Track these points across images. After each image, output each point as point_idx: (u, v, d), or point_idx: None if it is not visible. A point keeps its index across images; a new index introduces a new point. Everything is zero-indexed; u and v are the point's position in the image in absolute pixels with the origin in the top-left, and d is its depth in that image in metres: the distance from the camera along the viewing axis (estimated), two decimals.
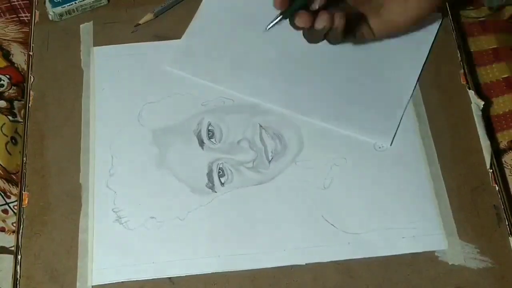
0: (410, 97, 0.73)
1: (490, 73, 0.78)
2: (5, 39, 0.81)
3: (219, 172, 0.68)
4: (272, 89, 0.73)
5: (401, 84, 0.74)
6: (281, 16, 0.62)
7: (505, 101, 0.76)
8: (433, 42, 0.76)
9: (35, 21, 0.78)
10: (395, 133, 0.71)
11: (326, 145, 0.70)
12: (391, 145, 0.70)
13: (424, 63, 0.75)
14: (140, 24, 0.78)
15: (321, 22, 0.61)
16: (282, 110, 0.72)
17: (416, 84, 0.74)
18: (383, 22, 0.67)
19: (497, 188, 0.68)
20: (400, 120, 0.71)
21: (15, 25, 0.83)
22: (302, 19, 0.61)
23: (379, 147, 0.70)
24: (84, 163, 0.69)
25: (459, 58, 0.75)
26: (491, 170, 0.69)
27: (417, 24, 0.70)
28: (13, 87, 0.78)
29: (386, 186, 0.68)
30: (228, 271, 0.64)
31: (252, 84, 0.73)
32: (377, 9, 0.67)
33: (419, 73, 0.74)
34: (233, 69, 0.74)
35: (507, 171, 0.72)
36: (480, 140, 0.70)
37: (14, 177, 0.73)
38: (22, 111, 0.75)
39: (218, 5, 0.79)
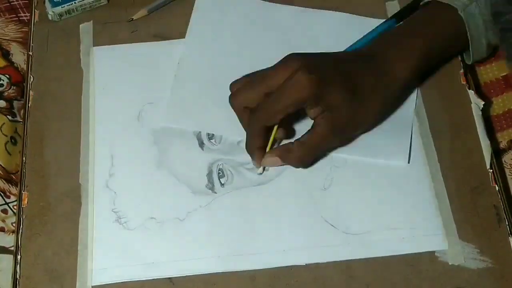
0: (414, 111, 0.72)
1: (490, 71, 0.78)
2: (4, 39, 0.81)
3: (219, 173, 0.68)
4: None
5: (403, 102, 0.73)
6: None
7: (504, 100, 0.76)
8: None
9: (35, 21, 0.78)
10: (410, 151, 0.70)
11: None
12: (408, 162, 0.69)
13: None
14: (133, 19, 0.78)
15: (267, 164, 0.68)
16: None
17: (416, 98, 0.73)
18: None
19: (497, 188, 0.68)
20: (411, 137, 0.70)
21: (15, 24, 0.83)
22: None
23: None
24: (84, 163, 0.69)
25: (459, 58, 0.75)
26: (491, 170, 0.68)
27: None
28: (12, 86, 0.78)
29: (385, 186, 0.68)
30: (228, 271, 0.64)
31: None
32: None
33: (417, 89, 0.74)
34: (229, 112, 0.69)
35: (507, 171, 0.72)
36: (480, 140, 0.70)
37: (14, 177, 0.73)
38: (22, 111, 0.75)
39: (200, 47, 0.76)
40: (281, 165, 0.68)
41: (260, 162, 0.67)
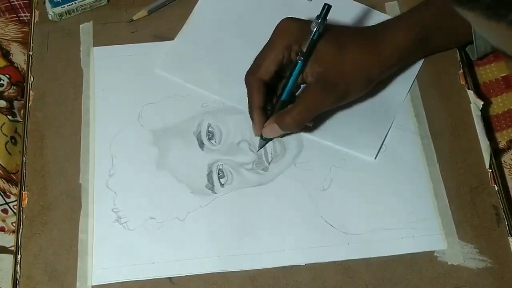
0: (397, 113, 0.73)
1: (489, 72, 0.78)
2: (4, 39, 0.81)
3: (219, 173, 0.68)
4: None
5: (390, 101, 0.73)
6: (264, 141, 0.70)
7: (504, 100, 0.76)
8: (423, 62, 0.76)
9: (35, 21, 0.78)
10: (380, 149, 0.70)
11: (326, 147, 0.70)
12: (375, 158, 0.70)
13: (413, 81, 0.75)
14: (133, 19, 0.78)
15: (269, 134, 0.69)
16: None
17: (404, 99, 0.73)
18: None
19: (496, 188, 0.68)
20: (385, 137, 0.71)
21: (15, 24, 0.82)
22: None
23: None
24: (84, 163, 0.69)
25: (458, 58, 0.75)
26: (490, 170, 0.69)
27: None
28: (12, 86, 0.78)
29: (385, 186, 0.68)
30: (228, 271, 0.64)
31: (240, 92, 0.70)
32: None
33: (408, 89, 0.74)
34: (222, 76, 0.74)
35: (506, 171, 0.72)
36: (479, 140, 0.70)
37: (14, 177, 0.73)
38: (22, 111, 0.75)
39: (211, 10, 0.79)
40: (280, 136, 0.69)
41: (259, 127, 0.67)
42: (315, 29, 0.64)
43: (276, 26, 0.68)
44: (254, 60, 0.68)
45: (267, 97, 0.68)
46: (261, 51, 0.68)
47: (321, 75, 0.66)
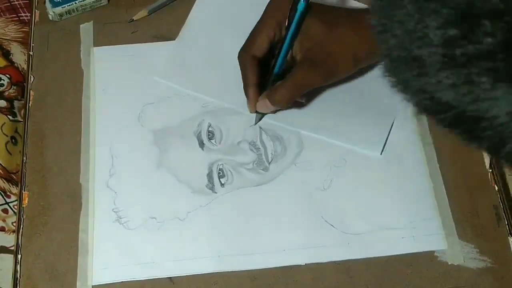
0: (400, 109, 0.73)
1: None
2: (5, 39, 0.81)
3: (219, 173, 0.68)
4: None
5: (391, 96, 0.73)
6: (260, 116, 0.71)
7: None
8: None
9: (35, 21, 0.78)
10: (385, 144, 0.70)
11: (326, 146, 0.70)
12: (381, 154, 0.70)
13: None
14: (134, 20, 0.78)
15: (262, 110, 0.70)
16: (271, 121, 0.72)
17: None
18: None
19: (496, 188, 0.68)
20: (389, 131, 0.71)
21: (15, 24, 0.83)
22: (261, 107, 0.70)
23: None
24: (84, 163, 0.69)
25: None
26: (491, 170, 0.69)
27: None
28: (13, 86, 0.78)
29: (385, 186, 0.68)
30: (228, 271, 0.64)
31: (240, 94, 0.70)
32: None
33: None
34: (221, 80, 0.74)
35: (506, 171, 0.72)
36: None
37: (14, 176, 0.73)
38: (22, 111, 0.75)
39: (206, 14, 0.79)
40: (272, 112, 0.70)
41: (254, 103, 0.68)
42: (299, 3, 0.64)
43: (268, 3, 0.68)
44: (247, 38, 0.69)
45: (262, 75, 0.69)
46: (253, 28, 0.69)
47: (310, 52, 0.67)
